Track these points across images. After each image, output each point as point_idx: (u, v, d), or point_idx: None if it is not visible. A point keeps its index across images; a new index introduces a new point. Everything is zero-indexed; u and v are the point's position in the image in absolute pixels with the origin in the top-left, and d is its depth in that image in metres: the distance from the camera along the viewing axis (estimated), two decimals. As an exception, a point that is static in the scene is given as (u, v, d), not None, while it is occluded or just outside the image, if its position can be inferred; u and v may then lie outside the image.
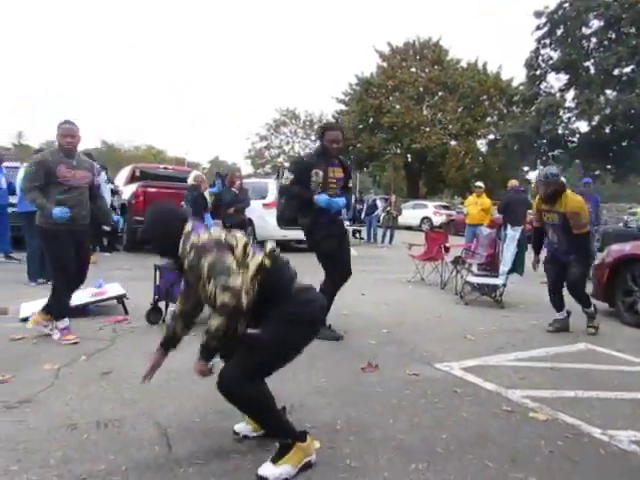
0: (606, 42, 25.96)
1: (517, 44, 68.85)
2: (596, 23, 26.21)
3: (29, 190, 3.92)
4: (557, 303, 5.17)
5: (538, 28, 27.72)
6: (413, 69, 35.66)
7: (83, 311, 4.76)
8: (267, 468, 2.16)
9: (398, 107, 34.56)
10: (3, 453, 2.27)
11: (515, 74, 35.11)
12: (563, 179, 5.15)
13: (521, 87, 31.95)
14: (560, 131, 27.79)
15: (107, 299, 4.95)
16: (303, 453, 2.23)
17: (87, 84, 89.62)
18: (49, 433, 2.46)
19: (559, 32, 27.10)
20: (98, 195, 4.43)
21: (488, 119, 36.29)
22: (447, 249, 7.93)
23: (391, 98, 35.54)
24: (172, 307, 4.61)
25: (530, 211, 10.55)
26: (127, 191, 10.26)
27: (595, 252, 8.44)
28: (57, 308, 4.02)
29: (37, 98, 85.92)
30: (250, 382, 2.14)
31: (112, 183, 10.15)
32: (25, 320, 4.33)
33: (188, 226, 2.31)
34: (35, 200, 3.90)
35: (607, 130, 26.09)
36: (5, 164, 7.84)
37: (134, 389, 3.02)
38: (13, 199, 7.30)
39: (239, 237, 2.28)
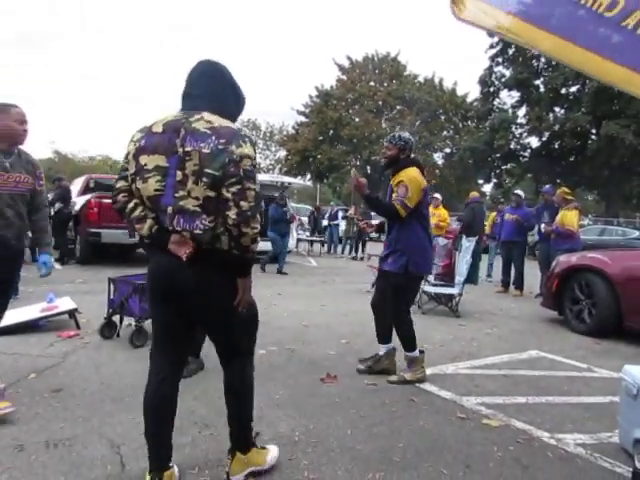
0: (554, 62, 27.17)
1: (472, 61, 71.03)
2: (545, 44, 27.43)
3: None
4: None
5: (491, 47, 28.75)
6: (372, 83, 36.28)
7: (33, 327, 4.58)
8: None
9: (357, 120, 35.06)
10: (-57, 477, 2.16)
11: (470, 90, 36.17)
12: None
13: (475, 103, 33.06)
14: (512, 146, 28.85)
15: (58, 314, 4.77)
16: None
17: (37, 87, 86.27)
18: (-6, 455, 2.36)
19: (511, 51, 28.16)
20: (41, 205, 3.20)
21: (444, 133, 37.29)
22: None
23: (351, 111, 36.05)
24: (127, 321, 4.53)
25: (485, 222, 10.91)
26: (80, 202, 9.98)
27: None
28: None
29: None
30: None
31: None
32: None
33: None
34: None
35: (556, 146, 27.31)
36: None
37: (86, 406, 2.93)
38: None
39: None
